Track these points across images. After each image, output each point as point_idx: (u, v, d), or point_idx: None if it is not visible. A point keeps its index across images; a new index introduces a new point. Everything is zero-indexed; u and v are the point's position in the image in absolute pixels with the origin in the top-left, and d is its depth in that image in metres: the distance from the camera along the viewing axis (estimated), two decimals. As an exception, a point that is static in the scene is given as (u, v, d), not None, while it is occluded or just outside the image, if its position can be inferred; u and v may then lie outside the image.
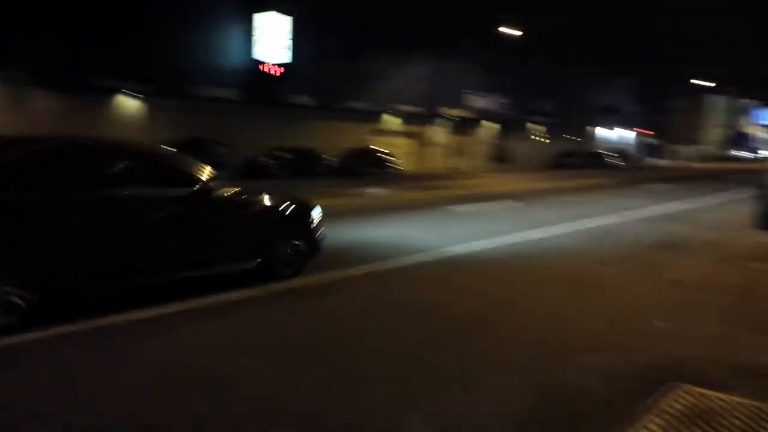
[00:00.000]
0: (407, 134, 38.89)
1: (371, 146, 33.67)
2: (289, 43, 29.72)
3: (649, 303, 6.52)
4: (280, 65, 29.65)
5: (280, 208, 7.23)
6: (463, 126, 41.94)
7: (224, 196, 6.50)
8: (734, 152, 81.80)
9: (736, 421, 3.66)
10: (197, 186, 6.22)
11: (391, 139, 37.06)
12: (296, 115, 31.00)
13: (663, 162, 61.14)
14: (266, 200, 7.20)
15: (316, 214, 7.65)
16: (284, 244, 7.11)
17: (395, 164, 32.40)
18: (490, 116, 44.28)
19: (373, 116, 36.17)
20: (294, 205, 7.40)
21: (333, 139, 32.15)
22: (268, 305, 6.16)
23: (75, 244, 5.41)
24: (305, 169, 27.42)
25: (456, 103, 40.46)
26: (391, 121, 37.76)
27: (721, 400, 3.96)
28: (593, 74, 54.72)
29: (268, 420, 3.63)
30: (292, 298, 6.45)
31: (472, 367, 4.56)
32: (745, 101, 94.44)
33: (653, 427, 3.58)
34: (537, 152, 48.19)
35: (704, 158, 73.31)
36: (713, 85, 73.55)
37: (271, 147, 27.99)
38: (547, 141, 50.32)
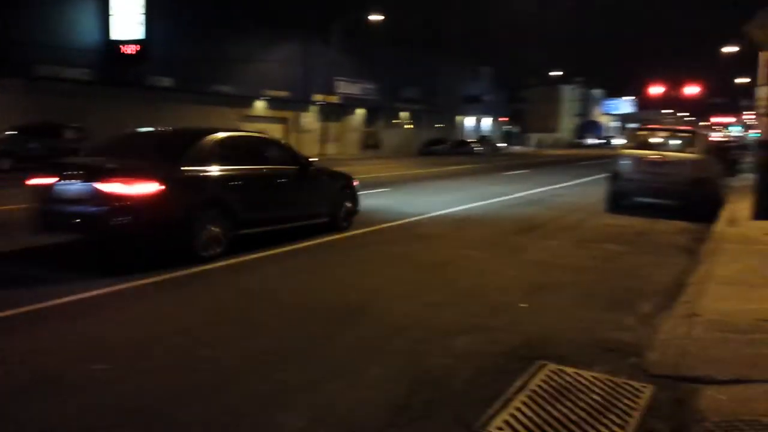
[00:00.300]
0: (278, 120, 38.22)
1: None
2: (143, 18, 27.95)
3: (513, 285, 6.77)
4: (134, 42, 27.88)
5: (338, 178, 10.11)
6: (334, 112, 41.90)
7: (314, 172, 9.31)
8: (586, 140, 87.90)
9: (595, 396, 3.87)
10: (300, 164, 9.08)
11: (262, 125, 36.23)
12: (158, 98, 29.45)
13: (520, 149, 64.55)
14: (330, 173, 10.12)
15: (356, 182, 10.33)
16: (342, 206, 9.79)
17: (265, 151, 31.70)
18: (359, 103, 44.57)
19: (243, 101, 35.17)
20: (344, 176, 10.26)
21: (199, 125, 30.87)
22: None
23: (247, 200, 7.94)
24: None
25: (327, 89, 40.30)
26: (261, 107, 36.91)
27: (581, 376, 4.17)
28: (458, 64, 56.66)
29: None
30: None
31: (342, 355, 4.53)
32: (596, 92, 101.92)
33: (517, 405, 3.70)
34: (405, 139, 49.19)
35: (557, 145, 78.27)
36: (561, 73, 79.07)
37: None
38: (415, 128, 51.50)
